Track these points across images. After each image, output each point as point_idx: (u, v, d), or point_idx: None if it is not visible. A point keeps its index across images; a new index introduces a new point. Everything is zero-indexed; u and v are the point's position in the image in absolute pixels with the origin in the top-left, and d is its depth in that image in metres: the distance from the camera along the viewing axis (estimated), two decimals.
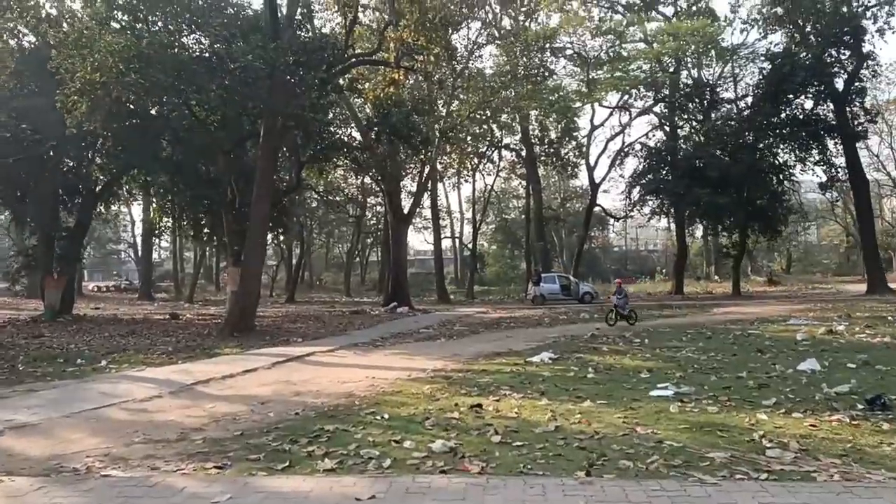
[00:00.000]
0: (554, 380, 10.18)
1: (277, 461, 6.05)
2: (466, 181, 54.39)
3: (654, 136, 45.24)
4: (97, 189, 29.95)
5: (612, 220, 66.22)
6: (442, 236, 52.84)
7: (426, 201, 44.52)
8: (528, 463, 5.81)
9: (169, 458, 6.37)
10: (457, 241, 72.95)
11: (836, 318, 20.51)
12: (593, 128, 46.72)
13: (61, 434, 7.42)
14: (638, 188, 40.52)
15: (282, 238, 48.58)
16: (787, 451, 5.99)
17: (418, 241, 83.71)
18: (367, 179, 51.68)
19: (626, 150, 44.44)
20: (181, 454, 6.50)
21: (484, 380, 10.33)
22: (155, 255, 75.31)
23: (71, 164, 28.49)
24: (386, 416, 7.86)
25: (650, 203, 41.03)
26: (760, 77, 39.08)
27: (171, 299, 52.32)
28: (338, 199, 52.45)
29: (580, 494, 4.88)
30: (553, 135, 49.52)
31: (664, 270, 69.74)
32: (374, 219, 63.93)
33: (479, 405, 8.27)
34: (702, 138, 40.49)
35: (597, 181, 45.43)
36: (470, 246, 60.18)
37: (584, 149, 47.27)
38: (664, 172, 39.51)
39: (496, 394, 9.13)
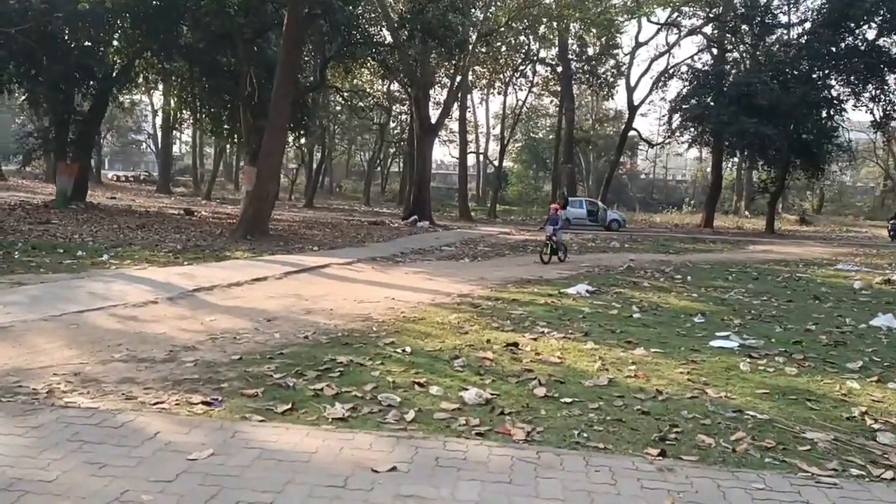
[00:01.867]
0: (596, 318, 9.03)
1: (278, 401, 4.99)
2: (496, 95, 52.19)
3: (700, 58, 42.48)
4: (113, 73, 28.53)
5: (643, 147, 64.01)
6: (467, 151, 50.93)
7: (454, 113, 42.55)
8: (582, 429, 4.71)
9: (150, 384, 5.34)
10: (481, 157, 70.85)
11: (886, 265, 19.11)
12: (637, 45, 44.09)
13: (33, 341, 6.41)
14: (680, 113, 38.29)
15: (302, 141, 47.11)
16: None
17: (441, 154, 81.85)
18: (395, 85, 49.68)
19: (670, 71, 41.83)
20: (165, 380, 5.46)
21: (517, 312, 9.20)
22: (175, 149, 74.27)
23: (86, 44, 26.90)
24: (408, 349, 6.77)
25: (691, 130, 38.87)
26: (824, 0, 36.05)
27: (189, 194, 51.56)
28: (362, 104, 50.54)
29: (662, 488, 3.76)
30: (592, 51, 46.95)
31: (692, 202, 67.79)
32: (399, 128, 61.99)
33: (516, 344, 7.15)
34: (753, 64, 37.90)
35: (635, 103, 43.08)
36: (494, 163, 58.43)
37: (625, 68, 44.76)
38: (710, 98, 37.18)
39: (532, 331, 8.01)
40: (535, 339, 7.52)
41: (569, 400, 5.36)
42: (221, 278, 11.03)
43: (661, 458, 4.24)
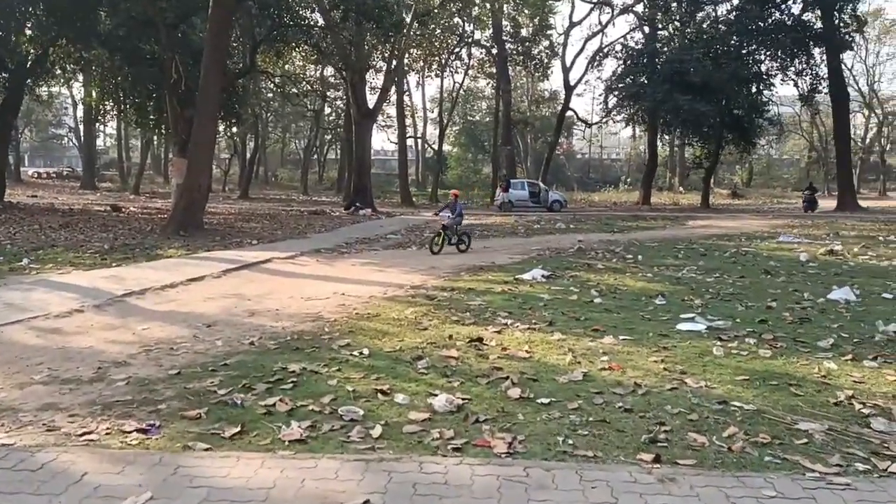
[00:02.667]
0: (557, 305, 8.68)
1: (225, 422, 4.42)
2: (433, 78, 51.56)
3: (633, 37, 42.77)
4: (28, 63, 26.71)
5: (579, 127, 64.52)
6: (406, 136, 50.22)
7: (391, 97, 41.74)
8: (567, 434, 4.30)
9: (76, 409, 4.68)
10: (419, 141, 70.14)
11: (825, 236, 19.51)
12: (571, 25, 44.06)
13: None
14: (616, 92, 38.51)
15: (234, 130, 45.52)
16: (894, 422, 4.62)
17: (379, 140, 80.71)
18: (329, 70, 48.45)
19: (605, 50, 42.00)
20: (94, 403, 4.80)
21: (475, 302, 8.77)
22: (99, 143, 71.14)
23: None
24: (365, 351, 6.25)
25: (627, 109, 39.18)
26: None
27: (116, 189, 49.37)
28: (295, 90, 49.15)
29: None
30: (526, 32, 46.81)
31: (628, 180, 68.78)
32: (335, 114, 60.79)
33: (480, 339, 6.71)
34: (685, 41, 38.35)
35: (571, 83, 43.13)
36: (433, 147, 57.90)
37: (560, 48, 44.76)
38: (644, 77, 37.50)
39: (494, 322, 7.59)
40: (498, 332, 7.10)
41: (546, 401, 4.95)
42: (154, 280, 10.23)
43: (657, 464, 3.87)
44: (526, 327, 7.31)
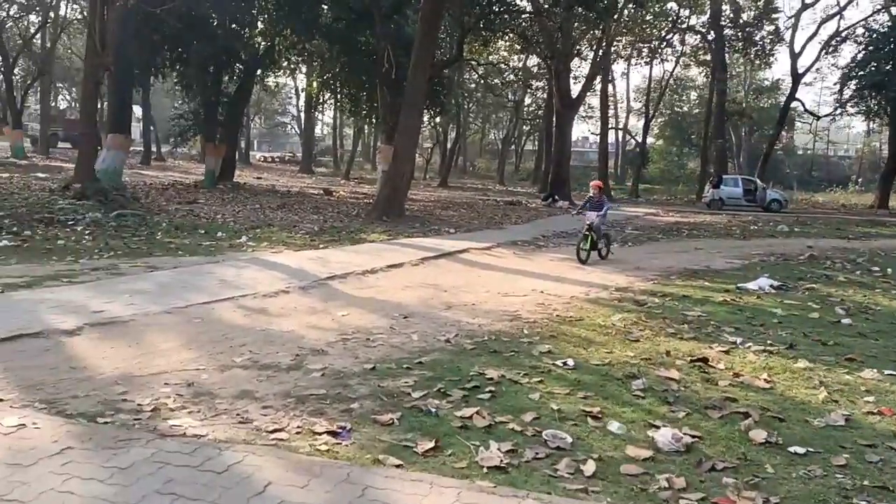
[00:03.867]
0: (794, 323, 7.40)
1: (418, 433, 3.98)
2: (642, 66, 49.08)
3: (877, 19, 37.50)
4: (258, 55, 29.08)
5: (804, 119, 58.46)
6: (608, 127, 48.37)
7: (596, 86, 40.29)
8: (837, 503, 3.34)
9: (270, 399, 4.50)
10: (620, 133, 67.52)
11: None
12: (803, 6, 39.59)
13: (150, 339, 5.81)
14: (855, 80, 34.03)
15: (437, 119, 46.68)
16: None
17: (577, 131, 78.80)
18: (532, 60, 48.00)
19: (843, 34, 37.28)
20: (288, 395, 4.61)
21: (692, 312, 7.73)
22: (317, 130, 76.61)
23: (232, 27, 27.45)
24: (570, 361, 5.57)
25: (868, 99, 34.50)
26: None
27: (330, 174, 52.72)
28: (498, 81, 49.31)
29: None
30: (747, 16, 42.95)
31: (859, 180, 61.19)
32: (535, 105, 60.26)
33: (705, 359, 5.76)
34: None
35: (800, 71, 38.85)
36: (636, 139, 55.41)
37: (787, 32, 40.47)
38: (889, 64, 32.73)
39: (719, 340, 6.56)
40: (726, 353, 6.09)
41: (800, 450, 3.97)
42: (356, 264, 10.29)
43: None
44: (760, 349, 6.20)
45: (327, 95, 37.97)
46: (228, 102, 29.31)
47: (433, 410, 4.38)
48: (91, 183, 15.92)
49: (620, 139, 68.25)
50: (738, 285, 9.69)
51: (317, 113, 62.47)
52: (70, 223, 13.09)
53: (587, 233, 11.89)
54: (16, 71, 40.49)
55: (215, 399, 4.49)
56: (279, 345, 5.85)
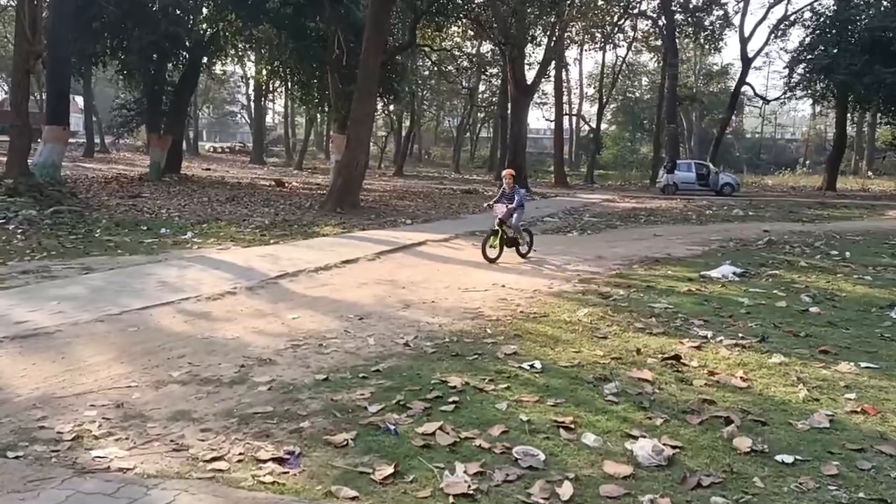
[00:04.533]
0: (763, 313, 7.20)
1: (376, 455, 3.59)
2: (595, 52, 49.04)
3: (823, 3, 38.13)
4: (203, 41, 28.04)
5: (753, 104, 59.65)
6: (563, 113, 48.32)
7: (550, 72, 40.11)
8: None
9: (209, 420, 4.05)
10: (573, 119, 67.75)
11: None
12: None
13: (78, 353, 5.26)
14: (804, 64, 34.53)
15: (391, 107, 46.01)
16: None
17: (530, 118, 78.79)
18: (485, 47, 47.62)
19: (791, 18, 37.83)
20: (230, 414, 4.16)
21: (659, 304, 7.48)
22: (268, 119, 74.95)
23: (176, 13, 26.35)
24: (537, 364, 5.23)
25: (816, 83, 35.07)
26: None
27: (282, 164, 51.67)
28: (451, 68, 48.82)
29: None
30: (697, 1, 43.29)
31: (807, 162, 62.65)
32: (489, 91, 60.04)
33: (677, 357, 5.48)
34: (886, 6, 33.60)
35: (749, 56, 39.32)
36: (590, 125, 55.61)
37: (739, 15, 40.95)
38: (836, 47, 33.27)
39: (689, 334, 6.30)
40: (698, 348, 5.82)
41: (788, 459, 3.70)
42: (308, 261, 9.80)
43: None
44: (732, 343, 5.95)
45: (277, 83, 37.00)
46: (173, 91, 28.25)
47: (392, 428, 3.98)
48: (24, 178, 15.01)
49: (574, 125, 68.51)
50: (702, 273, 9.51)
51: (267, 101, 61.13)
52: (0, 221, 12.25)
53: (496, 227, 10.48)
54: None
55: (147, 422, 4.01)
56: (222, 355, 5.37)
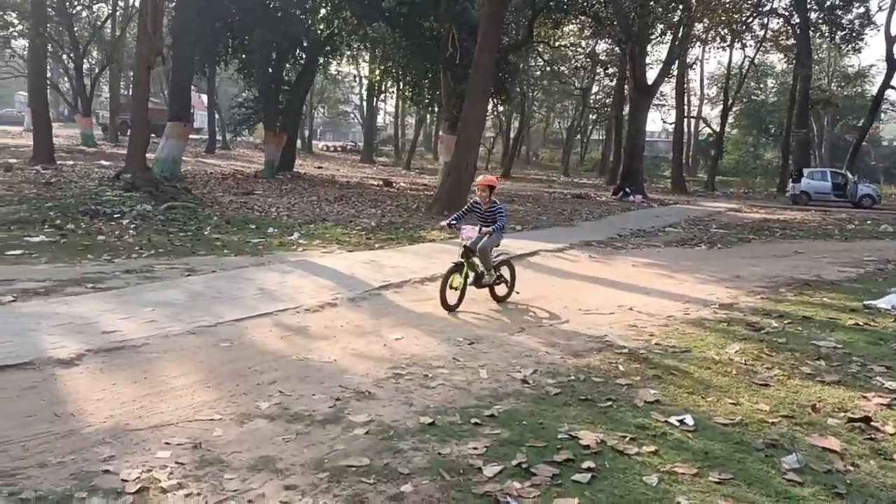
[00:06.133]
0: None
1: None
2: (722, 51, 46.34)
3: None
4: (320, 41, 28.30)
5: (893, 108, 54.83)
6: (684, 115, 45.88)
7: (673, 72, 38.07)
8: None
9: (296, 474, 3.39)
10: (692, 122, 64.51)
11: None
12: None
13: (162, 372, 4.78)
14: None
15: (501, 108, 45.24)
16: None
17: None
18: (601, 46, 46.02)
19: None
20: (320, 466, 3.48)
21: (825, 343, 6.26)
22: (379, 119, 76.06)
23: (295, 13, 26.69)
24: (688, 419, 4.27)
25: None
26: None
27: (391, 164, 51.96)
28: (564, 68, 47.51)
29: None
30: None
31: None
32: (602, 93, 58.18)
33: (867, 419, 4.37)
34: None
35: None
36: (712, 127, 52.70)
37: (885, 13, 37.36)
38: None
39: (870, 384, 5.13)
40: (888, 407, 4.67)
41: None
42: (413, 270, 9.15)
43: None
44: None
45: (389, 83, 37.09)
46: (289, 90, 28.68)
47: (507, 500, 3.17)
48: (142, 173, 15.28)
49: (693, 128, 65.30)
50: (866, 303, 8.12)
51: (379, 101, 61.88)
52: (116, 216, 12.38)
53: (461, 259, 7.37)
54: (86, 59, 40.97)
55: (224, 472, 3.39)
56: (316, 382, 4.74)
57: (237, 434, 3.85)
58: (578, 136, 66.75)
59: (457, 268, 7.30)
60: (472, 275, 7.41)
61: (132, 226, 11.70)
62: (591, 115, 63.26)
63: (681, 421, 4.26)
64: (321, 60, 31.41)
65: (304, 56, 28.80)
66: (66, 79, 43.34)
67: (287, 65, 28.84)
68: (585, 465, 3.60)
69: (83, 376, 4.57)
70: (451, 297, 7.16)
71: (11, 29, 28.42)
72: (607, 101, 54.65)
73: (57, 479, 3.18)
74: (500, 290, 7.84)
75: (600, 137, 68.41)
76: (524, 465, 3.57)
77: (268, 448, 3.69)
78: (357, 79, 66.26)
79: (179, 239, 10.93)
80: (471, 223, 7.58)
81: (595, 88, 57.09)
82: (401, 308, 7.21)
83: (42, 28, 22.80)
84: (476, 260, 7.43)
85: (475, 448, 3.77)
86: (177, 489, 3.19)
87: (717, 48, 43.82)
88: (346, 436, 3.90)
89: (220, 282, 7.68)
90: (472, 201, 7.79)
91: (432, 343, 5.91)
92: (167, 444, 3.65)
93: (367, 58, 39.51)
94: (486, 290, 7.69)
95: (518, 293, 7.93)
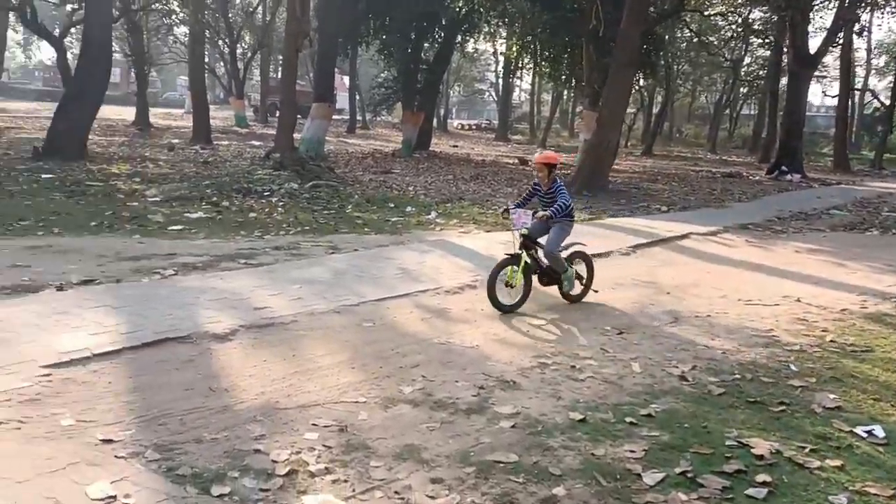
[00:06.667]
0: None
1: None
2: (889, 16, 41.75)
3: None
4: (458, 19, 28.28)
5: None
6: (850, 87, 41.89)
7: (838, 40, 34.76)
8: None
9: (441, 466, 3.26)
10: (858, 94, 58.87)
11: None
12: None
13: (309, 350, 4.81)
14: None
15: (643, 82, 43.31)
16: None
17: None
18: (755, 15, 42.80)
19: None
20: (465, 459, 3.33)
21: None
22: (514, 97, 75.42)
23: None
24: (878, 430, 3.74)
25: None
26: None
27: (525, 142, 51.40)
28: (713, 39, 44.65)
29: None
30: None
31: None
32: (756, 64, 54.27)
33: None
34: None
35: None
36: (880, 101, 47.81)
37: None
38: None
39: None
40: None
41: None
42: None
43: None
44: None
45: (526, 59, 36.52)
46: (427, 69, 28.91)
47: None
48: (289, 153, 15.88)
49: (858, 101, 59.63)
50: None
51: (515, 79, 61.24)
52: (266, 194, 12.92)
53: (518, 251, 6.16)
54: (239, 44, 43.38)
55: (370, 458, 3.31)
56: (459, 368, 4.60)
57: (382, 419, 3.77)
58: (727, 111, 62.89)
59: (512, 260, 6.09)
60: (531, 267, 6.21)
61: (280, 203, 12.16)
62: (741, 89, 59.33)
63: (869, 432, 3.74)
64: (459, 38, 31.40)
65: (442, 35, 28.90)
66: (221, 63, 46.06)
67: (426, 44, 29.06)
68: (760, 478, 3.22)
69: (236, 351, 4.69)
70: (504, 297, 6.03)
71: (174, 16, 30.48)
72: (761, 72, 51.00)
73: (211, 456, 3.23)
74: (570, 288, 6.54)
75: (751, 112, 64.06)
76: (689, 475, 3.24)
77: (412, 436, 3.58)
78: (493, 56, 65.96)
79: (323, 216, 11.22)
80: (521, 216, 6.28)
81: (747, 59, 53.38)
82: (541, 292, 6.91)
83: (200, 15, 24.26)
84: (539, 254, 6.33)
85: (632, 451, 3.47)
86: (324, 474, 3.15)
87: (891, 13, 39.44)
88: (492, 428, 3.72)
89: (362, 260, 7.76)
90: (533, 183, 6.68)
91: (577, 331, 5.61)
92: (314, 425, 3.63)
93: (504, 34, 39.11)
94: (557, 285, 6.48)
95: (596, 291, 6.70)
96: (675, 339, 5.49)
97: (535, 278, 6.28)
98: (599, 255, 8.84)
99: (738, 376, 4.62)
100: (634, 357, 4.97)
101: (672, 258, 9.21)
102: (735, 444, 3.57)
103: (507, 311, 5.98)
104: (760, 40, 42.49)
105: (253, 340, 4.90)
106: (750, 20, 43.55)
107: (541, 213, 6.20)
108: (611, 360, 4.90)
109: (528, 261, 6.12)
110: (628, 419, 3.86)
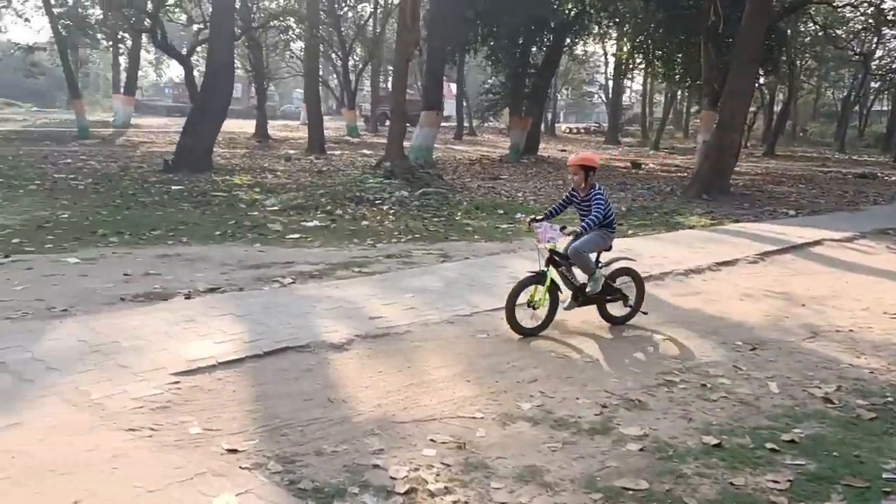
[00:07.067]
0: None
1: None
2: None
3: None
4: (567, 22, 27.88)
5: None
6: None
7: None
8: None
9: (565, 489, 3.09)
10: None
11: None
12: None
13: (424, 361, 4.74)
14: None
15: (763, 80, 41.06)
16: None
17: None
18: (888, 5, 39.75)
19: None
20: (591, 485, 3.14)
21: None
22: (625, 99, 73.65)
23: None
24: None
25: None
26: None
27: (636, 144, 49.97)
28: (840, 32, 41.78)
29: None
30: None
31: None
32: (889, 57, 50.38)
33: None
34: None
35: None
36: None
37: None
38: None
39: None
40: None
41: None
42: (675, 260, 8.42)
43: None
44: None
45: (638, 59, 35.51)
46: (535, 73, 28.65)
47: None
48: (399, 161, 16.10)
49: None
50: None
51: (625, 80, 59.73)
52: (377, 202, 13.14)
53: (543, 269, 5.48)
54: (351, 56, 44.73)
55: (491, 479, 3.19)
56: (580, 385, 4.40)
57: (500, 437, 3.65)
58: (856, 108, 58.65)
59: (536, 278, 5.42)
60: (564, 289, 5.53)
61: (391, 211, 12.31)
62: (872, 83, 55.15)
63: None
64: (568, 41, 30.97)
65: (551, 38, 28.56)
66: (334, 75, 47.64)
67: (534, 48, 28.82)
68: None
69: (353, 361, 4.70)
70: (525, 321, 5.35)
71: (291, 32, 31.76)
72: (894, 66, 47.29)
73: (331, 470, 3.21)
74: (617, 308, 5.76)
75: (883, 108, 59.58)
76: None
77: (533, 456, 3.43)
78: (603, 57, 64.63)
79: (433, 224, 11.25)
80: (548, 228, 5.50)
81: (879, 52, 49.60)
82: (664, 303, 6.60)
83: (315, 30, 25.13)
84: (572, 269, 5.57)
85: (775, 481, 3.17)
86: (444, 494, 3.05)
87: None
88: (618, 451, 3.51)
89: (473, 269, 7.67)
90: (570, 189, 5.87)
91: (705, 346, 5.28)
92: (432, 440, 3.56)
93: (615, 35, 38.24)
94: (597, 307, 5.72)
95: (645, 313, 5.83)
96: (815, 355, 5.05)
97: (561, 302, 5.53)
98: (725, 264, 8.41)
99: (890, 399, 4.19)
100: (771, 375, 4.60)
101: (805, 266, 8.57)
102: (893, 476, 3.20)
103: (528, 334, 5.34)
104: (895, 31, 39.22)
105: (368, 350, 4.90)
106: (883, 9, 40.45)
107: (569, 230, 5.42)
108: (745, 379, 4.55)
109: (556, 279, 5.48)
110: (769, 445, 3.55)
